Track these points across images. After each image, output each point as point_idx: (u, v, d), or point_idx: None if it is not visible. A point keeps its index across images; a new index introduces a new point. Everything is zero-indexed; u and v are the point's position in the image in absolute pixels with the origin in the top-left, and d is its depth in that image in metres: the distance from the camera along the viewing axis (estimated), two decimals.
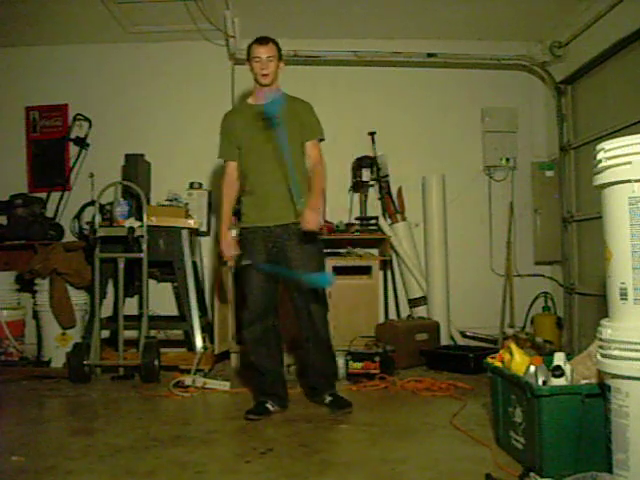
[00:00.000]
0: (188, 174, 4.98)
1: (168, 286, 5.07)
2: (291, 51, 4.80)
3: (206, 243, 5.01)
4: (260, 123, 3.05)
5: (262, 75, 3.08)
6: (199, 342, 4.25)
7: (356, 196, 5.09)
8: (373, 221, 4.95)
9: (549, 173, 5.11)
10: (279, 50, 3.14)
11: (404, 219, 5.01)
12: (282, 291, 3.22)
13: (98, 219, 4.13)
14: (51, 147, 5.13)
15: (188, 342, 4.45)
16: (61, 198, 4.94)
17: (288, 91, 3.22)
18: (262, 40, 3.10)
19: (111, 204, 4.40)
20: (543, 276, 5.23)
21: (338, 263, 4.64)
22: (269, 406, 3.11)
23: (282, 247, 3.05)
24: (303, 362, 3.46)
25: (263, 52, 3.07)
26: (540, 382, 2.17)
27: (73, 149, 5.11)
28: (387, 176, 5.03)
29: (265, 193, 3.09)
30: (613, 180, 1.89)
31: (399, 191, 5.08)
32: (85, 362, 3.89)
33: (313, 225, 2.94)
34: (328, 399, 3.19)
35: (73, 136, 5.06)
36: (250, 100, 3.23)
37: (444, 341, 4.76)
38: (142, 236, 4.06)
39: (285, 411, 3.16)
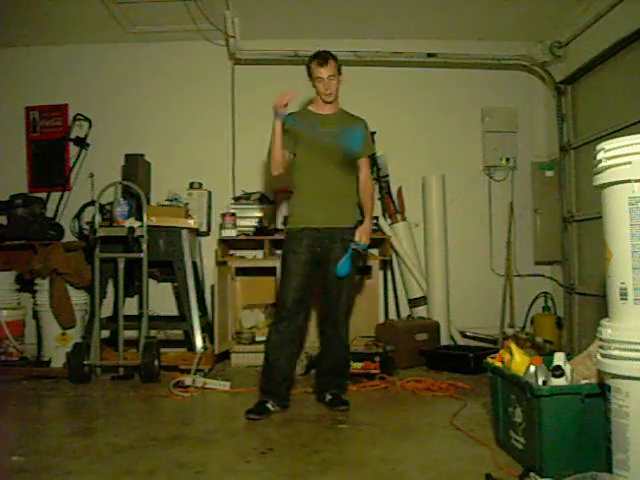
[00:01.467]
0: (188, 174, 4.98)
1: (168, 286, 5.07)
2: (291, 51, 4.81)
3: (206, 243, 5.01)
4: (322, 129, 3.15)
5: (326, 95, 3.19)
6: (199, 342, 4.25)
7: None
8: (373, 221, 4.95)
9: (549, 173, 5.11)
10: (339, 65, 3.20)
11: (404, 219, 5.01)
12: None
13: (98, 219, 4.13)
14: (51, 147, 5.13)
15: (188, 342, 4.44)
16: (61, 198, 4.94)
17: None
18: (322, 60, 3.14)
19: (111, 204, 4.40)
20: (543, 276, 5.23)
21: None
22: (269, 406, 3.11)
23: (326, 249, 3.17)
24: (316, 358, 3.57)
25: (324, 72, 3.14)
26: (540, 382, 2.17)
27: (73, 149, 5.11)
28: (387, 176, 5.03)
29: (316, 196, 3.19)
30: (613, 180, 1.89)
31: (399, 191, 5.08)
32: (85, 362, 3.89)
33: (365, 238, 3.19)
34: (329, 397, 3.24)
35: (73, 136, 5.06)
36: (312, 108, 3.32)
37: (444, 341, 4.76)
38: (142, 236, 4.06)
39: (285, 411, 3.16)
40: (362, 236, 3.18)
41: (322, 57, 3.15)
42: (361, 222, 3.27)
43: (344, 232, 3.20)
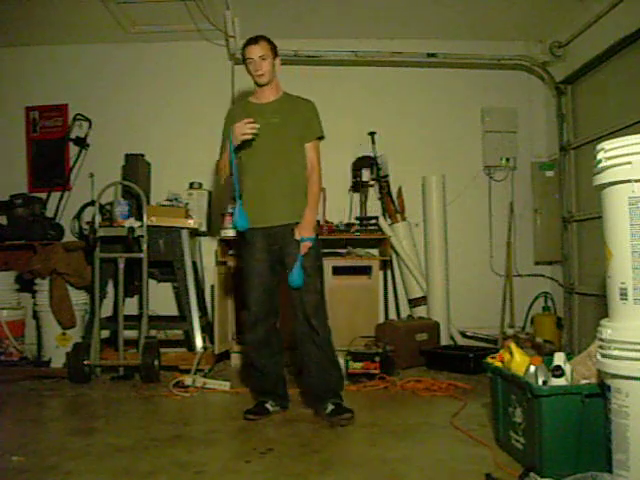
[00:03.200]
0: (188, 174, 4.98)
1: (168, 286, 5.07)
2: (291, 51, 4.81)
3: (206, 243, 5.01)
4: (262, 122, 2.97)
5: (257, 76, 3.02)
6: (199, 342, 4.25)
7: (356, 196, 5.09)
8: (373, 221, 4.95)
9: (549, 173, 5.11)
10: (273, 47, 3.05)
11: (404, 219, 5.01)
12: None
13: (98, 219, 4.13)
14: (51, 147, 5.13)
15: (188, 342, 4.44)
16: (61, 198, 4.94)
17: (288, 91, 3.22)
18: (252, 40, 3.02)
19: (111, 204, 4.40)
20: (543, 276, 5.23)
21: (338, 263, 4.64)
22: (269, 406, 3.09)
23: (283, 246, 3.02)
24: (300, 366, 3.21)
25: (255, 52, 2.99)
26: (540, 382, 2.17)
27: (73, 149, 5.12)
28: (387, 176, 5.03)
29: (266, 192, 3.02)
30: (613, 180, 1.89)
31: (399, 191, 5.08)
32: (85, 362, 3.89)
33: (309, 237, 2.98)
34: (330, 408, 2.99)
35: (73, 136, 5.06)
36: (252, 99, 3.17)
37: (444, 341, 4.76)
38: (142, 236, 4.06)
39: (285, 411, 3.15)
40: (300, 231, 2.96)
41: (254, 37, 3.01)
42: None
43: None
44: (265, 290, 3.03)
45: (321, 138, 3.13)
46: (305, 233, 2.97)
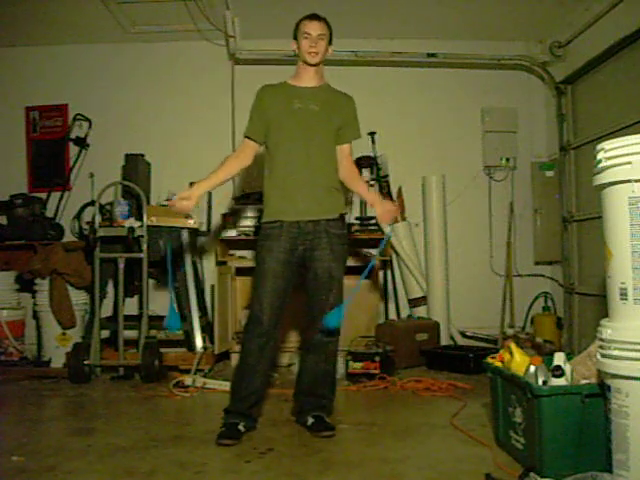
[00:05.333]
0: (188, 174, 4.96)
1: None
2: (291, 51, 4.79)
3: (206, 243, 5.00)
4: (300, 106, 2.78)
5: (310, 53, 2.76)
6: (199, 342, 4.25)
7: (356, 196, 5.08)
8: (373, 221, 4.95)
9: (549, 173, 5.11)
10: (331, 32, 2.83)
11: (404, 219, 5.01)
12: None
13: (98, 219, 4.13)
14: (51, 147, 5.13)
15: (188, 342, 4.44)
16: (61, 198, 4.94)
17: None
18: (316, 16, 2.79)
19: (111, 204, 4.40)
20: (543, 276, 5.23)
21: None
22: (241, 428, 2.72)
23: (310, 246, 2.76)
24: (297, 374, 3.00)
25: (314, 29, 2.75)
26: (540, 382, 2.17)
27: (73, 149, 5.11)
28: (387, 176, 5.02)
29: (294, 182, 2.75)
30: (613, 180, 1.89)
31: (399, 191, 5.08)
32: (85, 362, 3.89)
33: (393, 215, 2.87)
34: (310, 421, 2.80)
35: (73, 136, 5.06)
36: (291, 81, 2.90)
37: (444, 341, 4.76)
38: (142, 236, 4.06)
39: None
40: (384, 206, 2.80)
41: (316, 14, 2.81)
42: (342, 216, 2.84)
43: (330, 225, 2.78)
44: (280, 295, 2.73)
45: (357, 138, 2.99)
46: (389, 210, 2.82)
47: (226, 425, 2.71)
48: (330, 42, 2.84)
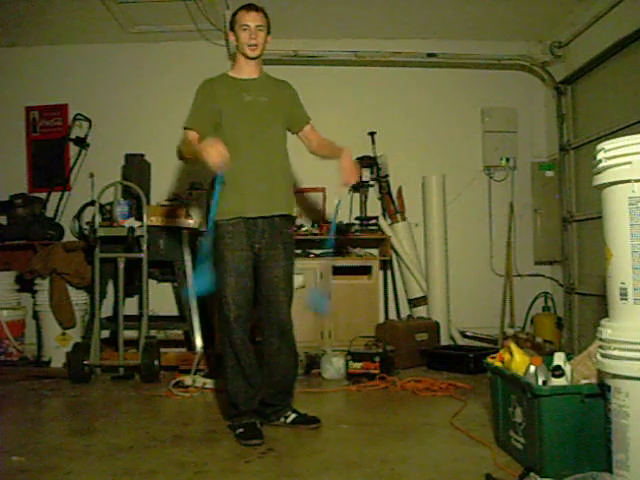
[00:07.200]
0: (188, 174, 4.98)
1: (168, 286, 5.07)
2: (291, 51, 4.81)
3: None
4: (249, 99, 2.74)
5: (249, 46, 2.72)
6: (199, 342, 4.25)
7: (356, 196, 5.09)
8: (373, 221, 4.95)
9: (549, 173, 5.11)
10: (269, 22, 2.79)
11: (404, 219, 5.01)
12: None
13: (98, 219, 4.13)
14: (51, 147, 5.13)
15: (188, 342, 4.44)
16: (61, 198, 4.94)
17: None
18: (252, 6, 2.74)
19: (111, 204, 4.39)
20: (543, 276, 5.23)
21: (338, 263, 4.64)
22: (258, 425, 2.73)
23: (266, 244, 2.73)
24: (264, 376, 2.85)
25: (253, 20, 2.71)
26: (540, 382, 2.16)
27: (73, 149, 5.11)
28: (387, 176, 5.03)
29: (248, 179, 2.70)
30: (613, 180, 1.88)
31: (399, 191, 5.08)
32: (85, 362, 3.89)
33: (356, 175, 2.77)
34: (292, 416, 2.85)
35: (73, 136, 5.06)
36: (232, 73, 2.85)
37: (444, 341, 4.76)
38: (142, 236, 4.06)
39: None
40: (346, 164, 2.73)
41: (252, 4, 2.75)
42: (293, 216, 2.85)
43: (284, 224, 2.77)
44: (249, 291, 2.72)
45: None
46: (350, 168, 2.74)
47: (244, 426, 2.69)
48: (269, 32, 2.80)
